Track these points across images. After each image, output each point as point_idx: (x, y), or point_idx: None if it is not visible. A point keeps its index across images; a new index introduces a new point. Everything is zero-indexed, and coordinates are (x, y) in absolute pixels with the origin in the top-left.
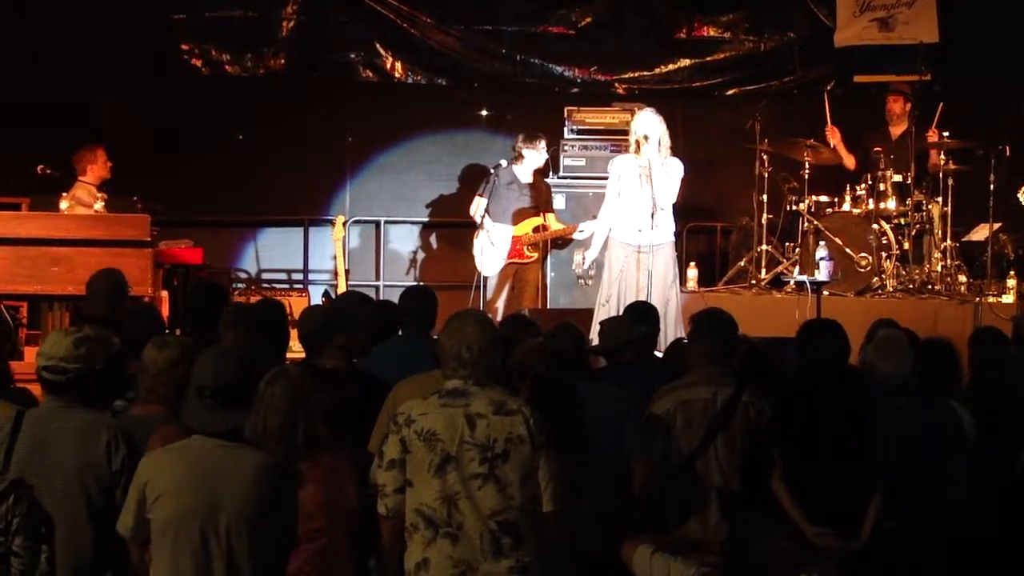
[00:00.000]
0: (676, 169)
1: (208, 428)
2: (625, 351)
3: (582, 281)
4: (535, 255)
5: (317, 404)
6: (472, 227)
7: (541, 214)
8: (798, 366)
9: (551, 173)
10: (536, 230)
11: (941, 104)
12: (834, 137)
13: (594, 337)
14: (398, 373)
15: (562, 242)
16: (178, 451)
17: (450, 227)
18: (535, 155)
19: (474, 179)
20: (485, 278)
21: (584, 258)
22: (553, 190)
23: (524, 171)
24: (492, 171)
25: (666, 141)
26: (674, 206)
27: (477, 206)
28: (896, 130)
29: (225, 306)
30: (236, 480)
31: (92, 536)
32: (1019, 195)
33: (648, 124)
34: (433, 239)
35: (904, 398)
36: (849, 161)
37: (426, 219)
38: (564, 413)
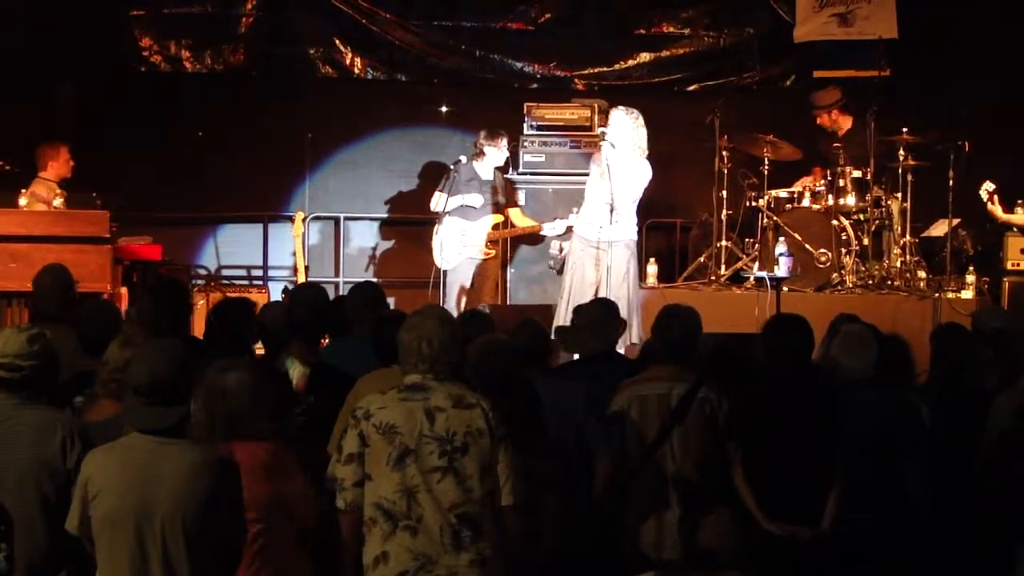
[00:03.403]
0: (641, 171)
1: (144, 425)
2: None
3: (552, 266)
4: (494, 251)
5: (246, 394)
6: (432, 223)
7: (501, 211)
8: (762, 360)
9: (511, 169)
10: (496, 227)
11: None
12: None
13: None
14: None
15: (531, 238)
16: (116, 448)
17: (410, 224)
18: (496, 152)
19: (434, 175)
20: (444, 272)
21: (562, 248)
22: (513, 186)
23: (485, 168)
24: (452, 167)
25: (636, 141)
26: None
27: (438, 200)
28: (841, 132)
29: (185, 303)
30: (171, 477)
31: (47, 534)
32: (980, 190)
33: (612, 123)
34: (393, 235)
35: (867, 393)
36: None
37: (385, 215)
38: (522, 410)
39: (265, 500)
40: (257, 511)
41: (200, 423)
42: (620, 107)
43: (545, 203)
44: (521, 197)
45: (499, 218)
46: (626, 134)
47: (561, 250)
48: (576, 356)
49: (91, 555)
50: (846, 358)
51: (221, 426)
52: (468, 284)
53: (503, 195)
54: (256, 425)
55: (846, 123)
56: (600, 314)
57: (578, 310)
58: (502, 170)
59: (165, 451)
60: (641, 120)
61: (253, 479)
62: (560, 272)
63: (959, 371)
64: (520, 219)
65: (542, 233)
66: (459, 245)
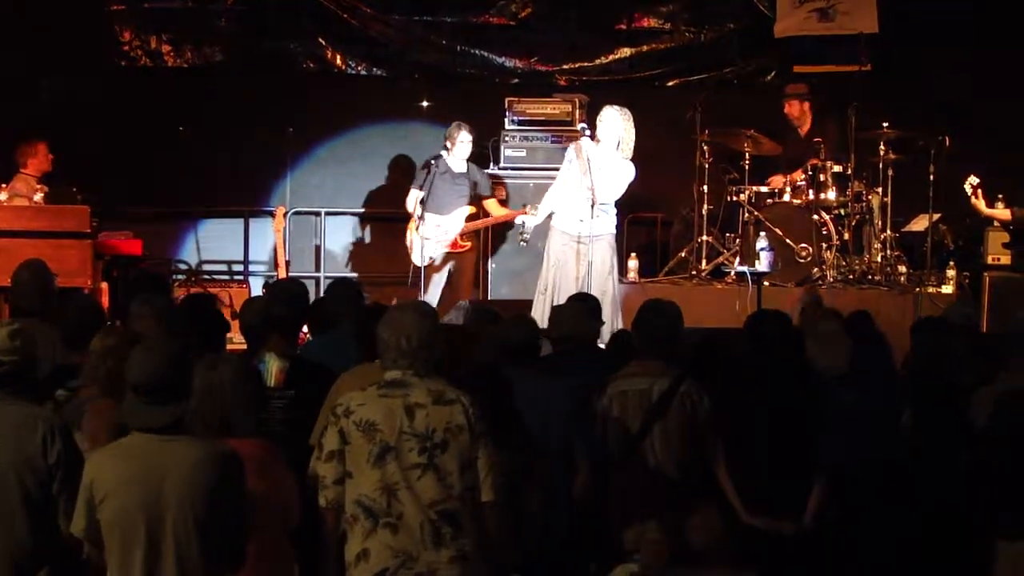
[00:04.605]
0: (625, 171)
1: (145, 424)
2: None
3: (521, 241)
4: (469, 244)
5: (241, 393)
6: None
7: (476, 203)
8: (745, 355)
9: (492, 164)
10: (470, 218)
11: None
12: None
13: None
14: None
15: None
16: (119, 449)
17: (391, 219)
18: (458, 145)
19: (415, 170)
20: (420, 269)
21: (524, 222)
22: (494, 181)
23: (455, 161)
24: (433, 162)
25: (627, 141)
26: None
27: (413, 198)
28: (803, 130)
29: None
30: (178, 474)
31: (29, 531)
32: (965, 184)
33: (604, 119)
34: (374, 231)
35: (846, 389)
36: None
37: (366, 210)
38: (500, 404)
39: (260, 497)
40: (254, 509)
41: (194, 419)
42: (614, 106)
43: (526, 197)
44: (502, 192)
45: (472, 210)
46: (617, 133)
47: (524, 224)
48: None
49: (95, 558)
50: (821, 357)
51: (215, 423)
52: (445, 279)
53: (479, 187)
54: (245, 422)
55: (808, 119)
56: (583, 307)
57: (560, 305)
58: (478, 163)
59: (168, 448)
60: (632, 121)
61: (252, 476)
62: (523, 241)
63: (938, 365)
64: (497, 210)
65: (517, 221)
66: (433, 241)
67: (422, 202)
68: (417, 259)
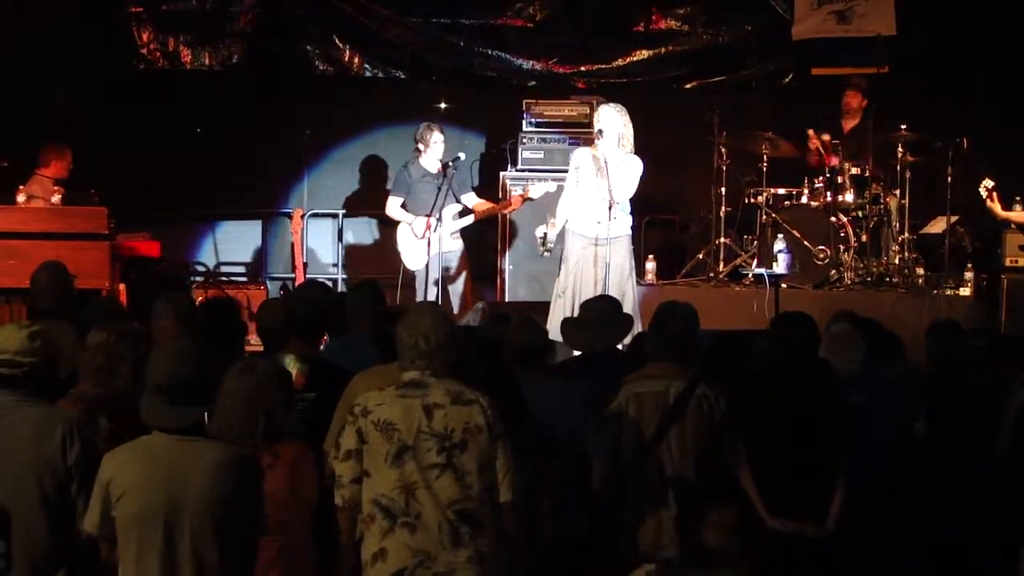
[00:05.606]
0: (634, 166)
1: (165, 425)
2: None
3: (545, 252)
4: (459, 242)
5: (280, 395)
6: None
7: (457, 200)
8: (768, 357)
9: (509, 166)
10: (455, 217)
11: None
12: (815, 143)
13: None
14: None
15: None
16: (139, 448)
17: None
18: (431, 146)
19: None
20: (412, 272)
21: (547, 234)
22: (511, 182)
23: (431, 162)
24: (450, 166)
25: (628, 136)
26: (632, 199)
27: (393, 204)
28: (848, 124)
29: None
30: (197, 475)
31: (47, 531)
32: (980, 188)
33: (605, 119)
34: (391, 233)
35: (856, 390)
36: (833, 160)
37: (384, 213)
38: (511, 405)
39: (292, 497)
40: (295, 508)
41: (235, 423)
42: (609, 104)
43: (543, 200)
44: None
45: (457, 207)
46: (616, 129)
47: (546, 236)
48: (576, 352)
49: (104, 554)
50: (833, 358)
51: (258, 428)
52: (442, 279)
53: (456, 184)
54: (285, 423)
55: (859, 116)
56: (610, 311)
57: (586, 306)
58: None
59: (188, 449)
60: (628, 116)
61: (295, 477)
62: (544, 252)
63: (954, 367)
64: (479, 206)
65: (531, 196)
66: (423, 243)
67: (403, 205)
68: (408, 263)
